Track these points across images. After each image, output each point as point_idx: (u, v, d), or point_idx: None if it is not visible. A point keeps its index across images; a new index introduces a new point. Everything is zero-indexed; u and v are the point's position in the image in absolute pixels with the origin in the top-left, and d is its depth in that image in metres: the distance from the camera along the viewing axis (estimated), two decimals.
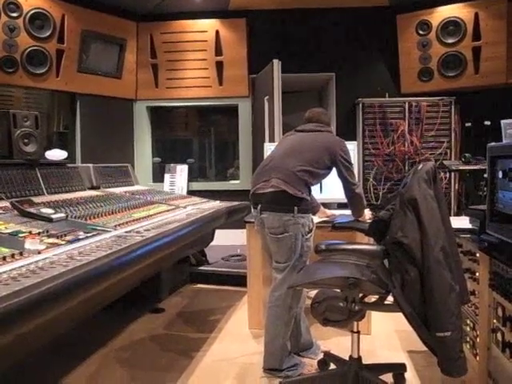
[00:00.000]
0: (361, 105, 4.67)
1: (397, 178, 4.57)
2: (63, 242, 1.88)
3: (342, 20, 4.91)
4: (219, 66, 4.94)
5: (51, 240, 1.90)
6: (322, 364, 2.36)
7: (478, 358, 2.09)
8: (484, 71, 4.49)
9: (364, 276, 1.82)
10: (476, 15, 4.46)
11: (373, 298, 2.13)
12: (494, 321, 1.90)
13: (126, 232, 2.21)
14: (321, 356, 2.42)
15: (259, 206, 2.32)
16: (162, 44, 4.97)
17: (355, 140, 4.59)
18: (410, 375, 2.31)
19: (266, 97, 4.36)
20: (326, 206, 3.16)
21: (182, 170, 5.04)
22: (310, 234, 2.29)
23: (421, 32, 4.66)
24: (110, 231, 2.18)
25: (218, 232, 3.96)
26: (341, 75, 4.91)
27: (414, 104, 4.62)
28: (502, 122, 2.05)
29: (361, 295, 2.00)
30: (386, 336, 2.83)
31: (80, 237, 2.00)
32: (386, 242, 1.68)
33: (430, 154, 4.63)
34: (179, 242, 2.40)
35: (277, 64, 4.15)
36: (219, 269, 4.10)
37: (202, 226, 2.78)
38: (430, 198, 1.62)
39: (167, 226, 2.44)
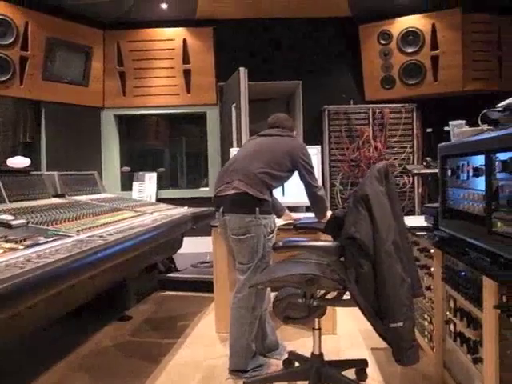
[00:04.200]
0: (326, 112, 4.79)
1: None
2: (22, 247, 1.86)
3: (307, 29, 5.04)
4: (187, 74, 4.97)
5: (9, 245, 1.87)
6: (287, 363, 2.39)
7: (434, 350, 2.17)
8: (442, 79, 4.68)
9: (322, 273, 1.87)
10: (433, 26, 4.66)
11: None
12: (447, 313, 1.98)
13: (89, 237, 2.20)
14: (286, 356, 2.45)
15: (222, 208, 2.35)
16: (130, 52, 4.97)
17: (322, 146, 4.70)
18: (371, 371, 2.37)
19: (233, 104, 4.42)
20: (294, 209, 3.21)
21: (150, 178, 5.03)
22: (271, 235, 2.33)
23: (382, 42, 4.83)
24: (72, 236, 2.17)
25: (187, 239, 3.95)
26: (307, 83, 5.02)
27: (378, 111, 4.77)
28: (451, 122, 2.15)
29: (322, 293, 2.06)
30: (351, 335, 2.89)
31: (40, 241, 1.98)
32: (341, 238, 1.74)
33: (394, 159, 4.77)
34: (142, 247, 2.40)
35: (243, 72, 4.21)
36: (188, 275, 4.10)
37: (166, 230, 2.78)
38: (382, 195, 1.69)
39: (131, 230, 2.44)
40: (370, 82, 4.94)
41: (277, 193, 2.73)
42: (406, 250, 1.77)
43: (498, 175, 1.53)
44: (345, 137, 4.76)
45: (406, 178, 4.71)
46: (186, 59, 4.97)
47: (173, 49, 4.96)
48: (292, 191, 3.11)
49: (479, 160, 1.70)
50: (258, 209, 2.24)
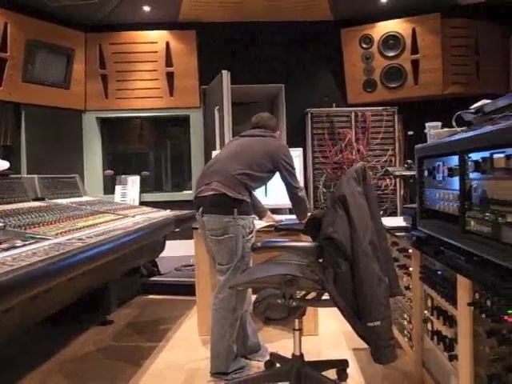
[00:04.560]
0: (309, 115, 4.82)
1: None
2: None
3: (290, 33, 5.08)
4: (170, 76, 4.97)
5: None
6: (269, 365, 2.39)
7: (413, 349, 2.19)
8: (423, 82, 4.76)
9: (302, 273, 1.88)
10: (413, 30, 4.75)
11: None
12: (425, 311, 2.01)
13: (67, 240, 2.17)
14: (268, 358, 2.46)
15: (201, 208, 2.36)
16: (112, 54, 4.95)
17: (306, 148, 4.74)
18: (352, 371, 2.38)
19: (217, 107, 4.42)
20: (277, 211, 3.21)
21: (133, 182, 4.99)
22: (250, 235, 2.34)
23: (364, 45, 4.89)
24: (50, 239, 2.14)
25: (171, 243, 3.94)
26: (290, 86, 5.05)
27: (360, 114, 4.83)
28: (427, 124, 2.19)
29: (303, 293, 2.07)
30: (333, 336, 2.91)
31: (17, 245, 1.95)
32: (319, 239, 1.76)
33: (376, 162, 4.83)
34: (123, 249, 2.38)
35: (226, 75, 4.22)
36: (171, 279, 4.07)
37: (148, 233, 2.76)
38: (359, 195, 1.71)
39: (111, 233, 2.42)
40: (352, 85, 5.00)
41: (259, 193, 2.74)
42: (384, 249, 1.79)
43: (471, 175, 1.56)
44: (328, 139, 4.80)
45: (387, 180, 4.76)
46: (168, 62, 4.97)
47: (156, 51, 4.96)
48: (275, 193, 3.11)
49: (454, 160, 1.73)
50: (236, 209, 2.25)
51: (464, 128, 1.80)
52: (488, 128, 1.44)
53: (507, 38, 4.72)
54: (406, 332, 2.35)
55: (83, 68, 4.89)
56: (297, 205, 2.53)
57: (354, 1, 4.64)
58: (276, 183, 2.64)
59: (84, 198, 3.71)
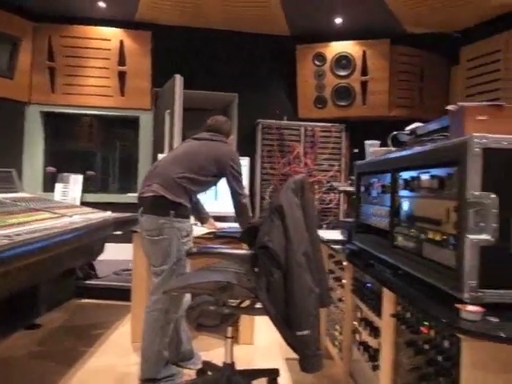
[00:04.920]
0: (260, 125, 4.88)
1: None
2: None
3: (246, 44, 5.13)
4: (122, 76, 4.86)
5: None
6: (201, 373, 2.36)
7: (343, 360, 2.25)
8: (370, 103, 4.96)
9: (237, 281, 1.88)
10: (364, 53, 4.94)
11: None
12: (355, 323, 2.07)
13: None
14: (200, 366, 2.43)
15: (141, 209, 2.34)
16: (62, 48, 4.77)
17: (255, 159, 4.80)
18: (284, 380, 2.41)
19: (168, 111, 4.37)
20: (222, 218, 3.19)
21: (75, 181, 4.81)
22: (187, 238, 2.31)
23: (317, 63, 5.03)
24: None
25: (112, 246, 3.81)
26: (243, 96, 5.09)
27: (310, 128, 4.95)
28: (366, 142, 2.28)
29: (238, 301, 2.07)
30: (268, 345, 2.92)
31: None
32: (255, 247, 1.77)
33: (323, 176, 4.95)
34: (55, 249, 2.27)
35: (179, 79, 4.18)
36: (108, 283, 3.94)
37: (84, 234, 2.66)
38: (296, 206, 1.74)
39: (44, 231, 2.31)
40: (303, 100, 5.11)
41: (209, 197, 2.71)
42: (317, 261, 1.83)
43: (401, 192, 1.64)
44: (277, 151, 4.88)
45: (332, 194, 4.90)
46: (121, 61, 4.86)
47: (109, 49, 4.83)
48: (226, 200, 3.09)
49: (387, 178, 1.81)
50: (172, 212, 2.24)
51: (398, 148, 1.90)
52: (417, 149, 1.53)
53: (449, 68, 5.03)
54: (336, 343, 2.41)
55: (30, 59, 4.68)
56: (239, 211, 2.52)
57: (310, 19, 4.77)
58: (227, 191, 2.63)
59: (20, 194, 3.53)
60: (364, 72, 4.94)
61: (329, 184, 4.86)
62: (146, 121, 5.02)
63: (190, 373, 2.43)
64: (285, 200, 1.72)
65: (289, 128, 4.93)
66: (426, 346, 1.30)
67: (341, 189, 4.45)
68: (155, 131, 4.99)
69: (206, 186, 2.47)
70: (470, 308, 1.12)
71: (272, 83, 5.22)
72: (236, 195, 2.48)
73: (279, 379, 2.33)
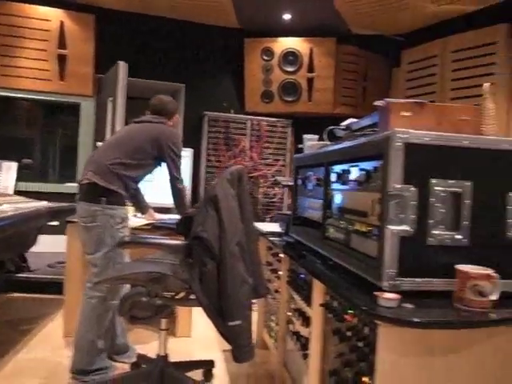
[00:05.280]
0: (207, 118, 4.84)
1: None
2: None
3: (194, 34, 5.06)
4: (62, 59, 4.62)
5: None
6: (135, 367, 2.31)
7: (277, 350, 2.28)
8: (316, 100, 5.05)
9: (172, 272, 1.86)
10: (311, 50, 5.02)
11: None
12: (289, 313, 2.11)
13: None
14: (135, 360, 2.38)
15: (77, 196, 2.29)
16: None
17: (200, 151, 4.76)
18: (219, 371, 2.41)
19: (110, 98, 4.22)
20: (165, 210, 3.11)
21: (8, 168, 4.54)
22: (121, 225, 2.24)
23: (265, 57, 5.05)
24: None
25: (48, 238, 3.65)
26: (190, 87, 5.02)
27: (256, 122, 4.97)
28: (304, 136, 2.32)
29: (173, 293, 2.04)
30: (206, 338, 2.91)
31: None
32: (190, 238, 1.75)
33: (268, 170, 4.99)
34: None
35: (122, 66, 4.05)
36: (41, 276, 3.76)
37: (13, 223, 2.52)
38: (231, 197, 1.74)
39: None
40: (250, 94, 5.12)
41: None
42: (252, 252, 1.85)
43: (333, 185, 1.69)
44: (222, 144, 4.86)
45: (276, 188, 4.95)
46: (62, 44, 4.62)
47: (48, 30, 4.58)
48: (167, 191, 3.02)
49: (322, 171, 1.85)
50: (104, 199, 2.19)
51: (333, 142, 1.94)
52: (347, 143, 1.57)
53: (391, 69, 5.23)
54: (273, 334, 2.45)
55: None
56: (175, 196, 2.46)
57: (259, 13, 4.78)
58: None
59: None
60: (311, 69, 5.02)
61: (273, 178, 4.91)
62: (87, 108, 4.82)
63: (124, 366, 2.38)
64: (220, 190, 1.72)
65: (235, 121, 4.93)
66: (349, 333, 1.35)
67: (284, 183, 4.52)
68: (97, 119, 4.81)
69: (143, 170, 2.37)
70: (387, 295, 1.17)
71: (220, 75, 5.19)
72: (172, 179, 2.42)
73: (215, 370, 2.34)
